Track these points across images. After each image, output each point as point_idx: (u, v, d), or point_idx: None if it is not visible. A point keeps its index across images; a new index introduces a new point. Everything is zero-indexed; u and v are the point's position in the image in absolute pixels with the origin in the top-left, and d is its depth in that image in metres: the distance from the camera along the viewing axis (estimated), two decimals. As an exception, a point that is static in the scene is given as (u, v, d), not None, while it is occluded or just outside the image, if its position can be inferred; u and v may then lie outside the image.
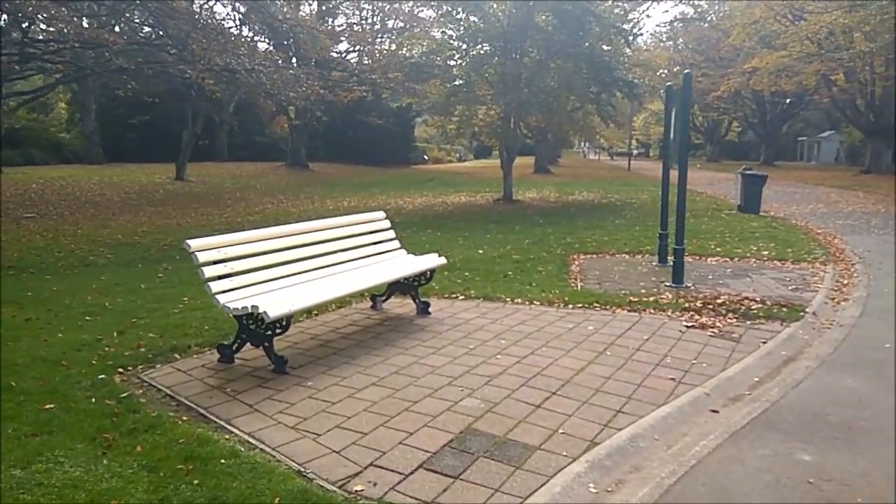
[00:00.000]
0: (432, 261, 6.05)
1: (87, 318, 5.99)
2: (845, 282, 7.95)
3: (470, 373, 4.52)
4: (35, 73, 22.34)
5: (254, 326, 4.47)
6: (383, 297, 6.25)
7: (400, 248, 6.30)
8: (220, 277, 4.52)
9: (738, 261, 9.15)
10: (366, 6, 35.94)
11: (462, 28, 17.12)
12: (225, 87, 23.90)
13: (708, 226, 12.66)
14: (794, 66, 30.91)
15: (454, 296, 6.81)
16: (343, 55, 32.94)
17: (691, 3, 40.38)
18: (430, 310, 6.06)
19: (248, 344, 4.59)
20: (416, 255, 6.40)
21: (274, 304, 4.38)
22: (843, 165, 47.74)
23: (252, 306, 4.27)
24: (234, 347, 4.67)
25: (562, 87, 16.88)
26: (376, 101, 38.25)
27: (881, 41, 19.81)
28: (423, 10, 32.33)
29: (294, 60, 24.52)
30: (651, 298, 6.62)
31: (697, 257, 9.38)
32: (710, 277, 8.03)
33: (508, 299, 6.63)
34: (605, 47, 17.65)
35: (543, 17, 16.62)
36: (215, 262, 4.53)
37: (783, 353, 5.22)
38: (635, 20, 28.80)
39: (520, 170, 20.32)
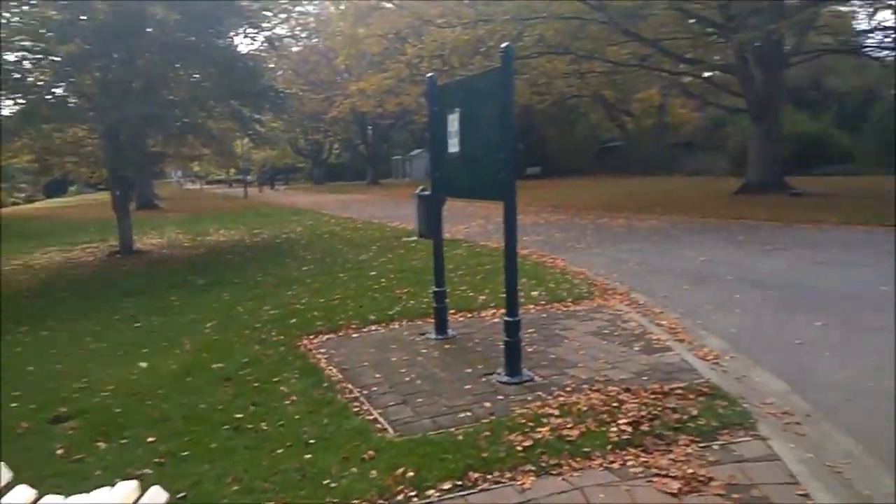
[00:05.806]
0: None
1: None
2: (663, 323, 6.34)
3: None
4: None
5: None
6: None
7: None
8: None
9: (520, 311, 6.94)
10: None
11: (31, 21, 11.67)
12: None
13: (422, 263, 10.20)
14: (397, 87, 31.49)
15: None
16: None
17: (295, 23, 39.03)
18: None
19: None
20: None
21: None
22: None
23: None
24: None
25: (193, 99, 12.87)
26: None
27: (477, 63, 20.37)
28: None
29: None
30: (541, 433, 3.73)
31: (468, 314, 6.93)
32: (530, 350, 5.58)
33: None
34: (242, 51, 14.16)
35: (160, 8, 12.32)
36: None
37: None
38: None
39: (108, 206, 15.20)
